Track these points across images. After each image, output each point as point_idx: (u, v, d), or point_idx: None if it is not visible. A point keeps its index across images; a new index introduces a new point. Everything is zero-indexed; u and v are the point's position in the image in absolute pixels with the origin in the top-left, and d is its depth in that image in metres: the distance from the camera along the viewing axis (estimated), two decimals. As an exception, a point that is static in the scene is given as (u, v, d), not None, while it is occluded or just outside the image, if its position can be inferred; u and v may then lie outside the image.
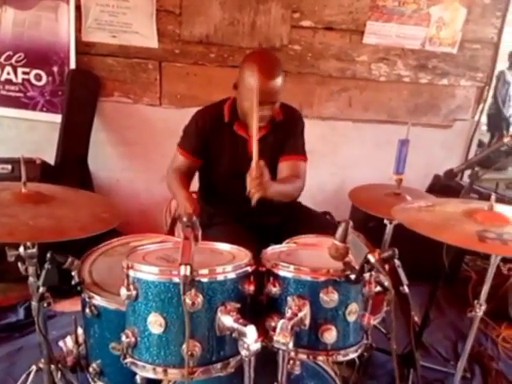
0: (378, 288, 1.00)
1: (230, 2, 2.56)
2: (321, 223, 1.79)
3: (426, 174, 2.91)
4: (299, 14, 2.65)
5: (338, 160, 2.99)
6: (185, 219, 0.94)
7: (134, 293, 0.95)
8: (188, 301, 0.87)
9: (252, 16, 2.61)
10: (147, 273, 0.94)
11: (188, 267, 0.85)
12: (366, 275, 0.89)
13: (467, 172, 2.07)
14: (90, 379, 1.27)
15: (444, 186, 2.60)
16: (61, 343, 1.49)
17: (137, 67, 2.62)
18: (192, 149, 1.77)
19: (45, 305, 1.33)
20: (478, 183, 2.43)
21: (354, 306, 0.97)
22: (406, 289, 1.09)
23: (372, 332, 1.12)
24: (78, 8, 2.46)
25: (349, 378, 1.68)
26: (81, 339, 1.35)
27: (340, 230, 0.93)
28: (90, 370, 1.25)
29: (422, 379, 1.91)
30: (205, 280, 0.92)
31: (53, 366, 1.41)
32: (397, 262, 1.05)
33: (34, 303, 1.32)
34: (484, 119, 3.13)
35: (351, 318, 0.97)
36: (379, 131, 2.96)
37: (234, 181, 1.71)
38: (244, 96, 1.60)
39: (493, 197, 1.22)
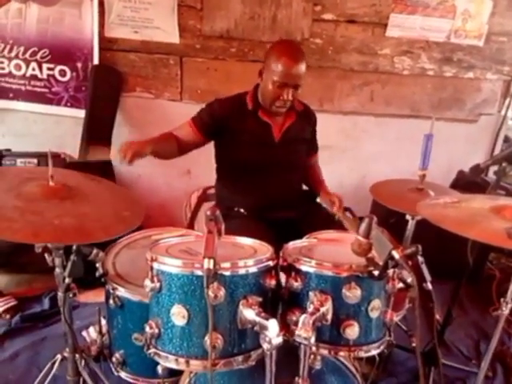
0: (401, 285, 0.99)
1: (251, -4, 2.55)
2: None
3: (450, 170, 2.85)
4: (321, 7, 2.62)
5: (359, 155, 2.96)
6: (208, 213, 0.95)
7: (157, 285, 0.97)
8: (211, 293, 0.87)
9: (273, 10, 2.59)
10: (171, 265, 0.95)
11: (211, 260, 0.86)
12: (390, 271, 0.88)
13: (492, 168, 2.03)
14: (113, 368, 1.30)
15: (469, 182, 2.55)
16: (84, 333, 1.52)
17: (158, 62, 2.64)
18: (200, 123, 1.77)
19: (70, 295, 1.36)
20: (505, 180, 2.37)
21: (376, 303, 0.96)
22: (429, 285, 1.07)
23: (393, 329, 1.11)
24: (100, 4, 2.49)
25: (368, 375, 1.67)
26: (104, 329, 1.38)
27: (363, 226, 0.91)
28: (113, 359, 1.28)
29: (444, 378, 1.88)
30: (227, 273, 0.93)
31: (77, 355, 1.43)
32: (420, 258, 1.03)
33: (60, 294, 1.35)
34: (511, 114, 3.03)
35: (374, 315, 0.97)
36: (402, 126, 2.91)
37: (255, 169, 1.78)
38: (269, 79, 1.65)
39: (521, 193, 1.19)
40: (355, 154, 2.95)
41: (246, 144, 1.77)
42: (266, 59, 1.71)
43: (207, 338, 0.90)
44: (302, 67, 1.65)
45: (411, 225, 1.83)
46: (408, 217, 1.83)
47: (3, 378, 1.76)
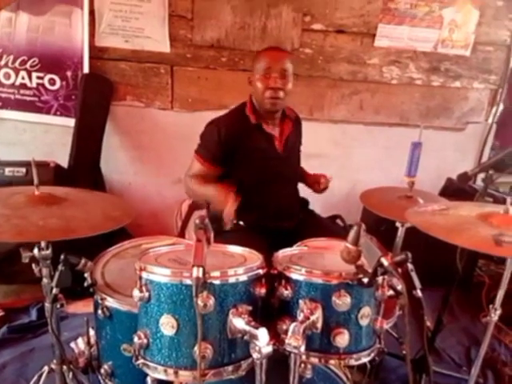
0: (391, 292, 0.99)
1: (241, 7, 2.57)
2: (332, 229, 1.80)
3: (439, 177, 2.88)
4: (310, 18, 2.65)
5: (349, 163, 2.98)
6: (197, 221, 0.95)
7: (146, 294, 0.95)
8: (200, 303, 0.86)
9: (263, 20, 2.62)
10: (160, 275, 0.94)
11: (200, 269, 0.85)
12: (379, 279, 0.88)
13: (480, 176, 2.05)
14: (102, 380, 1.27)
15: (457, 190, 2.57)
16: (72, 344, 1.51)
17: (149, 71, 2.65)
18: (211, 157, 1.73)
19: (58, 306, 1.34)
20: (493, 187, 2.40)
21: (366, 310, 0.96)
22: (419, 293, 1.07)
23: (384, 336, 1.11)
24: (91, 13, 2.50)
25: (360, 383, 1.67)
26: (92, 340, 1.36)
27: (352, 233, 0.92)
28: (102, 371, 1.25)
29: (435, 385, 1.89)
30: (217, 282, 0.92)
31: (65, 367, 1.41)
32: (410, 265, 1.03)
33: (47, 304, 1.33)
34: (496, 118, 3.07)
35: (364, 322, 0.96)
36: (391, 134, 2.94)
37: (259, 183, 1.77)
38: (257, 79, 1.67)
39: (509, 200, 1.20)
40: (345, 161, 2.97)
41: (253, 160, 1.75)
42: (253, 66, 1.74)
43: (196, 348, 0.89)
44: (285, 55, 1.70)
45: (401, 232, 1.84)
46: (398, 224, 1.84)
47: (-11, 391, 1.72)
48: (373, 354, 1.00)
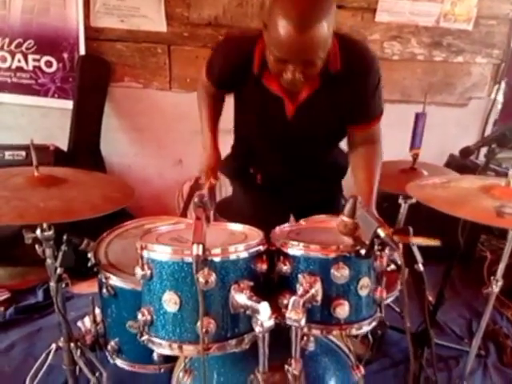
0: (392, 266, 1.00)
1: (239, -18, 2.52)
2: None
3: (441, 154, 2.86)
4: (309, -7, 2.59)
5: (350, 141, 2.95)
6: (196, 200, 0.95)
7: (148, 272, 0.96)
8: (201, 279, 0.87)
9: (261, -5, 2.56)
10: (160, 253, 0.95)
11: (200, 246, 0.85)
12: (376, 249, 0.89)
13: (483, 151, 2.04)
14: (109, 357, 1.30)
15: (459, 166, 2.55)
16: (79, 323, 1.53)
17: (146, 52, 2.61)
18: (213, 78, 1.45)
19: (63, 285, 1.36)
20: (495, 162, 2.38)
21: (365, 281, 0.97)
22: (420, 267, 1.08)
23: (386, 311, 1.12)
24: (85, -7, 2.45)
25: (363, 356, 1.70)
26: (98, 318, 1.38)
27: (348, 206, 0.92)
28: (109, 347, 1.28)
29: (437, 357, 1.92)
30: (217, 259, 0.93)
31: (72, 345, 1.44)
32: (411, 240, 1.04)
33: (52, 284, 1.35)
34: (501, 97, 3.04)
35: (363, 293, 0.98)
36: (392, 111, 2.87)
37: (265, 143, 1.46)
38: (268, 45, 1.15)
39: (510, 172, 1.20)
40: (345, 139, 2.94)
41: (251, 116, 1.42)
42: (269, 8, 1.12)
43: (199, 323, 0.91)
44: (315, 35, 1.07)
45: (404, 208, 1.84)
46: (401, 201, 1.84)
47: (-1, 370, 1.76)
48: (374, 323, 1.01)
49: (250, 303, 0.90)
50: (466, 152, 1.60)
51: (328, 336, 1.15)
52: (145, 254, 0.98)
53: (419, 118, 1.58)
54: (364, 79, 1.31)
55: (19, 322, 2.05)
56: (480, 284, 1.64)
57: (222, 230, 1.14)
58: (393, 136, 2.77)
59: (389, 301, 1.40)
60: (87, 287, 2.08)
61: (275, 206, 1.51)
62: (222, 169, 1.56)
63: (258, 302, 0.89)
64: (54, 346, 1.46)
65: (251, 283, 0.95)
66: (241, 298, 0.92)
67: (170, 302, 0.94)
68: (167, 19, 2.54)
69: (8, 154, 2.29)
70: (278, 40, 1.08)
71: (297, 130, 1.36)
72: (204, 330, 0.90)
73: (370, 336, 1.69)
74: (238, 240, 1.04)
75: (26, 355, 1.82)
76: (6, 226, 2.11)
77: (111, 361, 1.31)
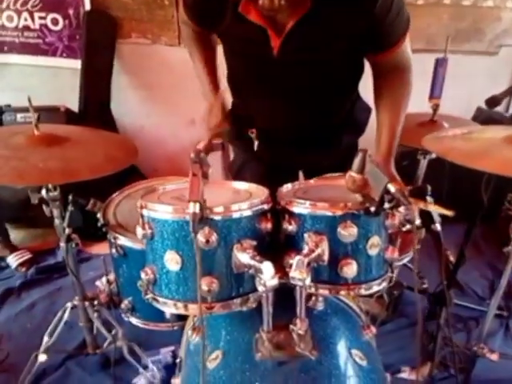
0: (409, 226, 0.94)
1: None
2: None
3: (468, 107, 2.69)
4: None
5: (368, 92, 2.81)
6: (192, 155, 0.90)
7: (149, 232, 0.94)
8: (202, 239, 0.84)
9: None
10: (160, 212, 0.92)
11: (197, 204, 0.81)
12: (388, 207, 0.83)
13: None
14: (123, 314, 1.33)
15: (487, 119, 2.41)
16: (98, 283, 1.56)
17: (153, 4, 2.50)
18: (196, 14, 1.21)
19: (73, 245, 1.38)
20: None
21: (375, 240, 0.92)
22: (438, 227, 1.02)
23: (404, 271, 1.08)
24: None
25: (378, 315, 1.68)
26: (112, 278, 1.40)
27: (357, 161, 0.85)
28: (122, 306, 1.31)
29: (457, 317, 1.89)
30: (219, 218, 0.89)
31: (87, 303, 1.48)
32: (429, 198, 0.97)
33: (62, 244, 1.37)
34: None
35: (373, 252, 0.92)
36: (416, 60, 2.70)
37: (260, 95, 1.26)
38: None
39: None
40: (363, 90, 2.79)
41: (236, 56, 1.23)
42: None
43: (203, 282, 0.89)
44: None
45: (423, 164, 1.75)
46: (419, 156, 1.75)
47: (21, 327, 1.84)
48: (384, 284, 0.96)
49: (252, 262, 0.87)
50: (493, 101, 1.47)
51: (337, 296, 1.12)
52: (145, 213, 0.95)
53: (440, 64, 1.44)
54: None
55: (40, 282, 2.12)
56: (504, 244, 1.56)
57: (227, 189, 1.10)
58: (415, 87, 2.63)
59: (405, 261, 1.35)
60: (106, 248, 2.12)
61: (279, 168, 1.40)
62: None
63: (261, 262, 0.85)
64: (69, 304, 1.50)
65: (254, 243, 0.91)
66: (243, 257, 0.89)
67: (172, 261, 0.92)
68: (173, -32, 2.41)
69: (20, 117, 2.29)
70: None
71: (286, 70, 1.13)
72: (207, 289, 0.88)
73: (385, 296, 1.66)
74: (243, 198, 1.00)
75: (47, 313, 1.89)
76: (24, 189, 2.14)
77: (125, 318, 1.34)
